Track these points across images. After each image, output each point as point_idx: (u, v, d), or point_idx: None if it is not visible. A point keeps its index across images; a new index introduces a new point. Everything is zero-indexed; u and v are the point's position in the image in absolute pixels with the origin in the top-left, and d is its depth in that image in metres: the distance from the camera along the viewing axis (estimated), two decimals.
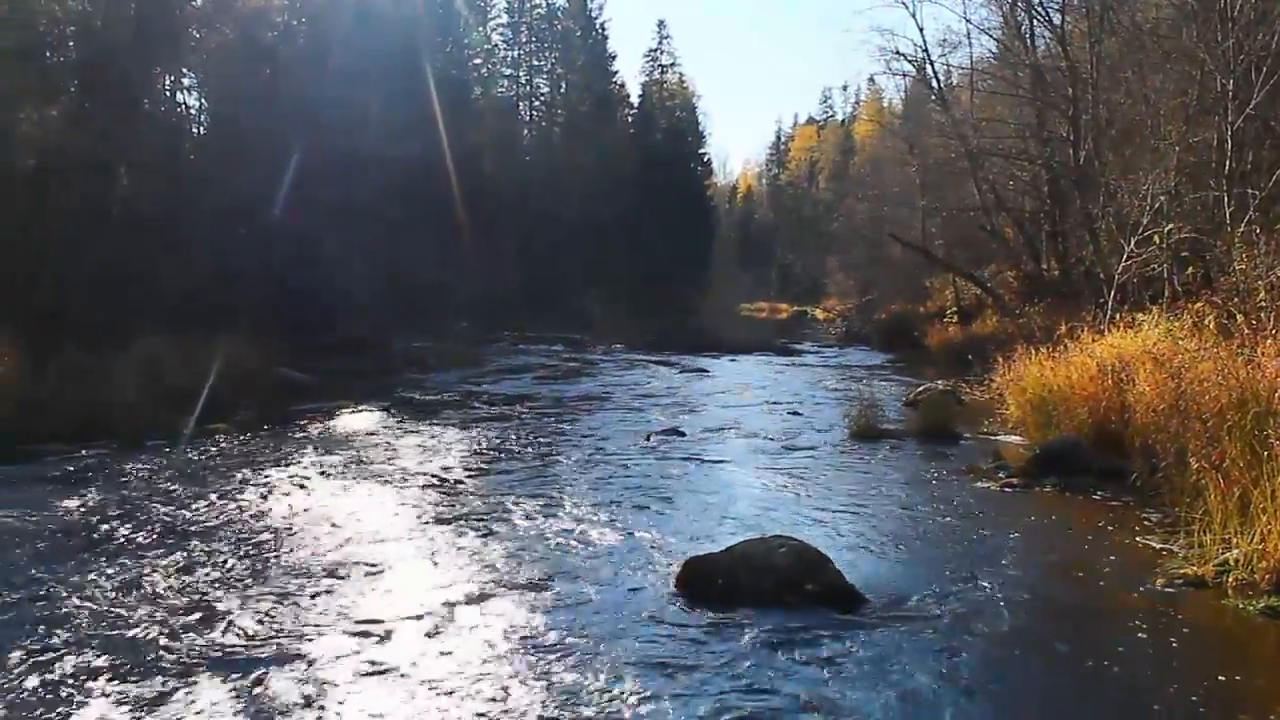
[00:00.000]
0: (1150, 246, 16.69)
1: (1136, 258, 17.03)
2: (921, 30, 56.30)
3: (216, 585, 7.49)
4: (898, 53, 33.10)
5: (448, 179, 36.47)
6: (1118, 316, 15.34)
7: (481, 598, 7.25)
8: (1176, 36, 19.31)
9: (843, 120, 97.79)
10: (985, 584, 7.61)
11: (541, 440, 14.66)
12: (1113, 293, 17.41)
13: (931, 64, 32.95)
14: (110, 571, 7.81)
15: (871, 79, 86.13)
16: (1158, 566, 7.90)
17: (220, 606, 7.00)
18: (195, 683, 5.73)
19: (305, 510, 9.98)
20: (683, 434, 15.11)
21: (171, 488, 10.92)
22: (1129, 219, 17.84)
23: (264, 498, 10.49)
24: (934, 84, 33.53)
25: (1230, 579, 7.32)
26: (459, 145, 37.80)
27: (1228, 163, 15.64)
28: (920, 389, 19.32)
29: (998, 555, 8.47)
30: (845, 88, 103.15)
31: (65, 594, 7.25)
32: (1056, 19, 26.86)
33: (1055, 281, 26.73)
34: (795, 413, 17.68)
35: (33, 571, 7.82)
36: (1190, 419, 9.33)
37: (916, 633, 6.61)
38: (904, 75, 38.22)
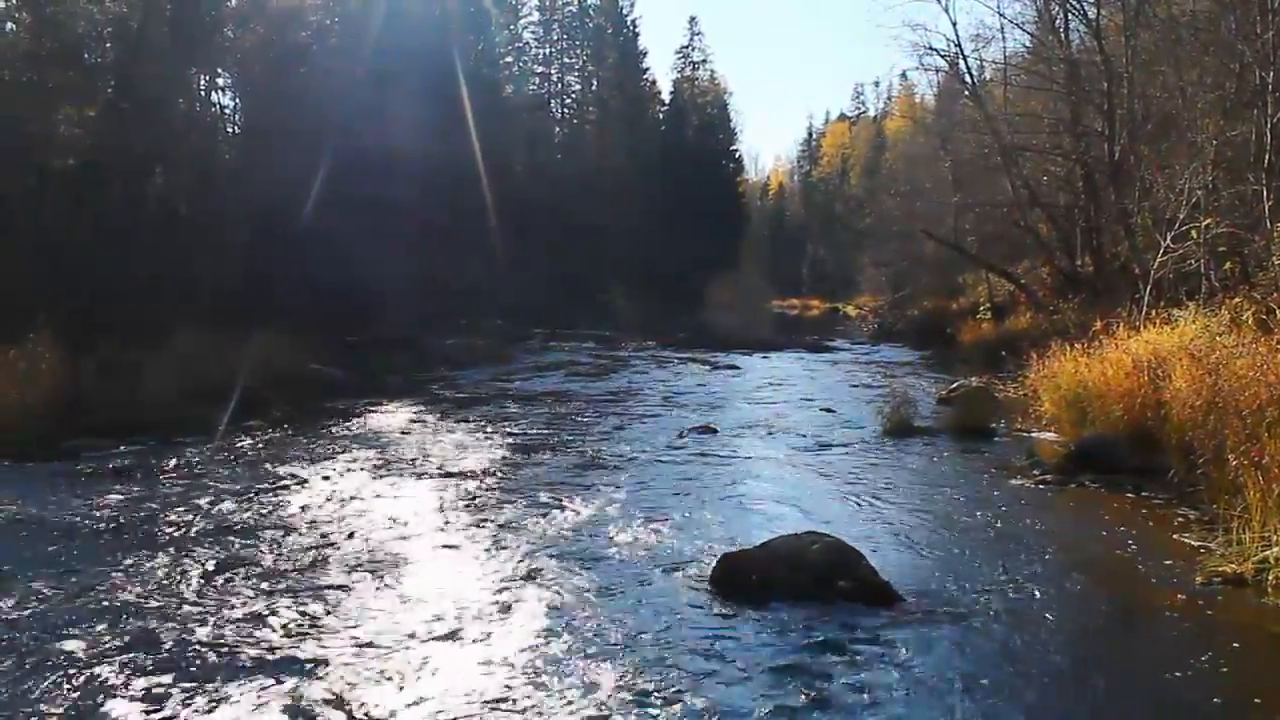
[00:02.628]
0: (1187, 241, 16.48)
1: (1173, 253, 16.83)
2: (954, 25, 55.43)
3: (256, 580, 7.57)
4: (930, 48, 32.67)
5: (479, 177, 36.55)
6: (1153, 312, 15.17)
7: (517, 594, 7.28)
8: (1214, 29, 19.07)
9: (875, 116, 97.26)
10: (1020, 582, 7.57)
11: (574, 437, 14.69)
12: (1148, 288, 17.22)
13: (964, 59, 32.53)
14: (150, 566, 7.90)
15: (904, 74, 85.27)
16: (1196, 564, 7.82)
17: (260, 601, 7.08)
18: (235, 676, 5.80)
19: (341, 505, 10.05)
20: (715, 431, 15.09)
21: (208, 484, 11.02)
22: (1165, 214, 17.63)
23: (299, 493, 10.57)
24: (967, 79, 33.12)
25: (1270, 576, 7.25)
26: (490, 144, 37.86)
27: (1266, 156, 15.44)
28: (954, 385, 19.21)
29: (1032, 552, 8.41)
30: (877, 83, 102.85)
31: (105, 588, 7.34)
32: (1091, 12, 26.50)
33: (1090, 277, 26.47)
34: (828, 409, 17.61)
35: (72, 566, 7.92)
36: (1228, 415, 9.25)
37: (951, 630, 6.59)
38: (936, 70, 37.90)
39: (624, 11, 67.41)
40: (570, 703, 5.48)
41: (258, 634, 6.46)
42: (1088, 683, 5.90)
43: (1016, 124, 30.21)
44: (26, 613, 6.84)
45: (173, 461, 12.24)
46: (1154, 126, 22.26)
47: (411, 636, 6.44)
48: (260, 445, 13.57)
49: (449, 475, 11.62)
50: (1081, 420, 13.58)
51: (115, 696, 5.53)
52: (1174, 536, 8.76)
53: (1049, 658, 6.22)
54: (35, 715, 5.32)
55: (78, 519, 9.43)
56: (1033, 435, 14.49)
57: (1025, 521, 9.55)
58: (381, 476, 11.53)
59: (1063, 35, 28.54)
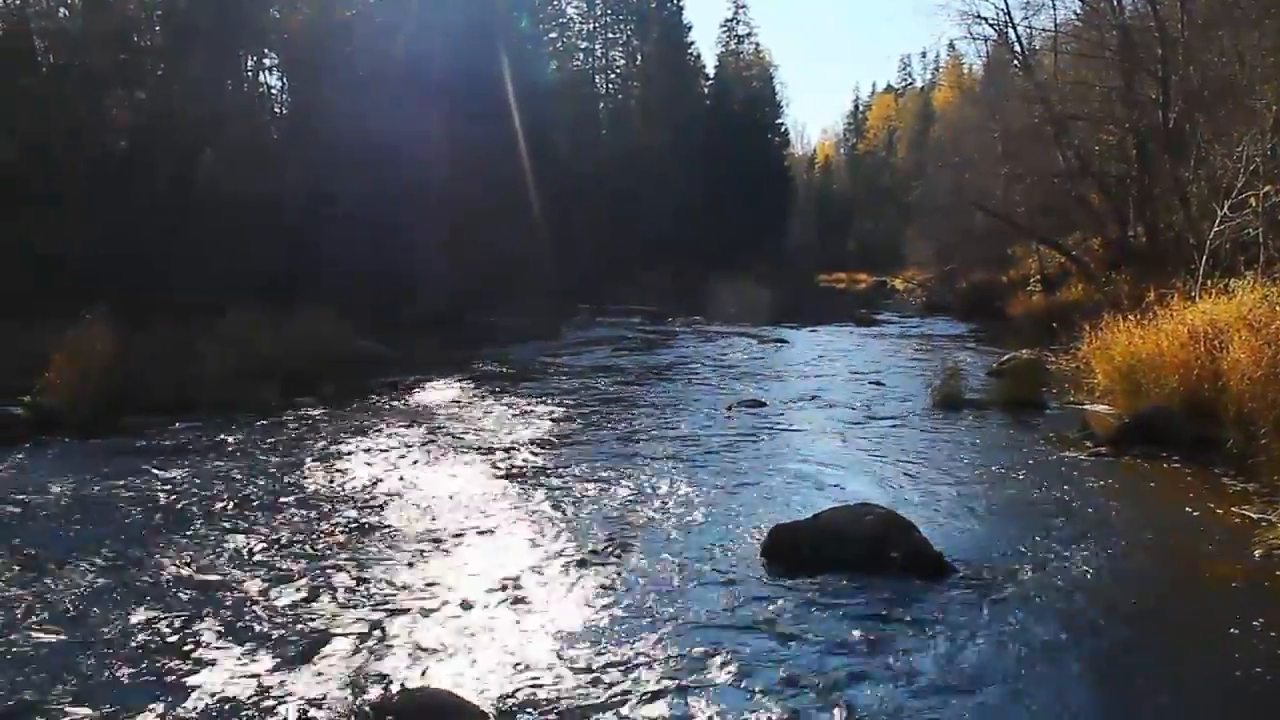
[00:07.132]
0: (1245, 210, 16.18)
1: (1230, 222, 16.52)
2: None
3: (314, 553, 7.67)
4: (979, 16, 32.40)
5: (522, 155, 36.52)
6: (1209, 282, 14.90)
7: (571, 564, 7.34)
8: None
9: (922, 88, 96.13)
10: (1074, 553, 7.49)
11: (623, 411, 14.70)
12: (1204, 258, 16.90)
13: (1014, 27, 32.16)
14: (209, 540, 8.03)
15: (951, 44, 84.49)
16: (1255, 536, 7.71)
17: (317, 574, 7.17)
18: (295, 644, 5.89)
19: (394, 480, 10.13)
20: (764, 404, 15.05)
21: (263, 459, 11.15)
22: (1222, 182, 17.31)
23: (352, 469, 10.66)
24: (1016, 48, 32.79)
25: None
26: (535, 121, 37.79)
27: None
28: (1004, 358, 18.99)
29: (1087, 524, 8.32)
30: (924, 54, 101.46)
31: (164, 562, 7.47)
32: None
33: (1143, 248, 26.08)
34: (877, 383, 17.51)
35: (133, 540, 8.06)
36: None
37: (1003, 602, 6.54)
38: (985, 40, 37.51)
39: None
40: (624, 670, 5.51)
41: (317, 605, 6.55)
42: (1145, 655, 5.83)
43: (1067, 93, 29.74)
44: (88, 585, 6.96)
45: (227, 438, 12.38)
46: (1210, 93, 21.82)
47: (470, 606, 6.51)
48: (312, 422, 13.69)
49: (501, 449, 11.67)
50: (1135, 392, 13.35)
51: (175, 665, 5.62)
52: (1232, 508, 8.63)
53: (1105, 630, 6.15)
54: (96, 685, 5.42)
55: (135, 495, 9.57)
56: (1085, 407, 14.27)
57: (1079, 493, 9.44)
58: (434, 451, 11.60)
59: (1115, 1, 28.03)
